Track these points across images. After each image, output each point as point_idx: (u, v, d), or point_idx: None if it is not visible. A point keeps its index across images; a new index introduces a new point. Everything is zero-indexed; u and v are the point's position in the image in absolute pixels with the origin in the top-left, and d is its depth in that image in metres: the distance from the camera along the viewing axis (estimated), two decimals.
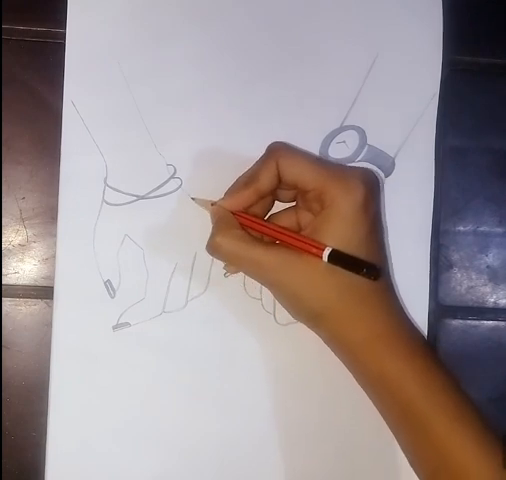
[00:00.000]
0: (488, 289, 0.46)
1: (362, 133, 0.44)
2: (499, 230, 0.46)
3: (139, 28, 0.43)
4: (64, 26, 0.42)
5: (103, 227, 0.42)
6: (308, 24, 0.44)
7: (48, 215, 0.43)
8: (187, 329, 0.43)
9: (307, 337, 0.43)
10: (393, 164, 0.44)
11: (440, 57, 0.45)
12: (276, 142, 0.39)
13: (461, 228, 0.46)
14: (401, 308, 0.40)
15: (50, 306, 0.42)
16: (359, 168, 0.40)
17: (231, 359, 0.43)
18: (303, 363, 0.43)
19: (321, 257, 0.36)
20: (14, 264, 0.43)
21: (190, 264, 0.43)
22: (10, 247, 0.43)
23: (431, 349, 0.40)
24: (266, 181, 0.38)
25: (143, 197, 0.43)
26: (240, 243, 0.37)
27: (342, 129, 0.44)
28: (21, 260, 0.43)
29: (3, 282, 0.43)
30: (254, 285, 0.43)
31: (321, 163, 0.39)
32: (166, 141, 0.42)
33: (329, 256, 0.36)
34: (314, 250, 0.36)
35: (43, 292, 0.43)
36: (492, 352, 0.46)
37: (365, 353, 0.38)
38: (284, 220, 0.41)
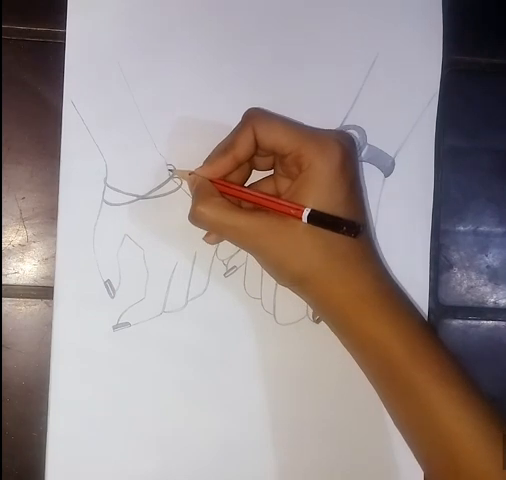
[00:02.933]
0: (488, 289, 0.46)
1: (362, 133, 0.44)
2: (499, 230, 0.46)
3: (139, 28, 0.43)
4: (64, 26, 0.42)
5: (103, 227, 0.42)
6: (308, 24, 0.44)
7: (48, 215, 0.43)
8: (187, 329, 0.43)
9: (307, 337, 0.43)
10: (393, 164, 0.44)
11: (440, 57, 0.45)
12: (252, 108, 0.39)
13: (461, 228, 0.46)
14: (385, 269, 0.40)
15: (50, 306, 0.42)
16: (335, 130, 0.39)
17: (231, 359, 0.43)
18: (303, 363, 0.43)
19: (301, 218, 0.36)
20: (14, 264, 0.43)
21: (190, 264, 0.43)
22: (10, 247, 0.43)
23: (415, 309, 0.40)
24: (243, 147, 0.38)
25: (143, 197, 0.43)
26: (222, 210, 0.37)
27: (342, 129, 0.44)
28: (21, 260, 0.43)
29: (3, 282, 0.43)
30: (254, 285, 0.43)
31: (297, 127, 0.39)
32: (166, 141, 0.42)
33: (308, 217, 0.36)
34: (293, 212, 0.36)
35: (43, 292, 0.43)
36: (492, 352, 0.46)
37: (350, 314, 0.37)
38: (263, 188, 0.41)
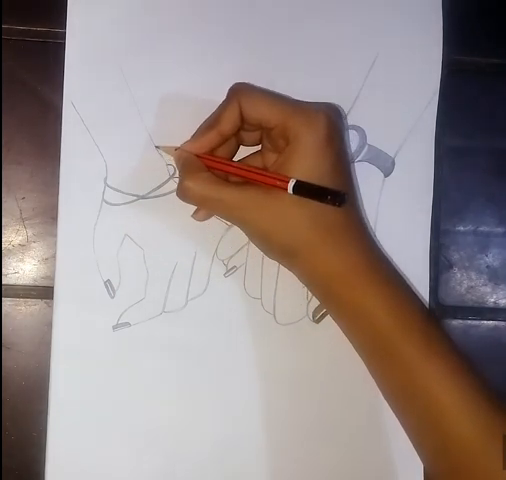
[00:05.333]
0: (488, 289, 0.46)
1: (362, 133, 0.44)
2: (499, 230, 0.46)
3: (139, 28, 0.43)
4: (64, 26, 0.42)
5: (103, 227, 0.42)
6: (308, 24, 0.44)
7: (48, 215, 0.43)
8: (187, 329, 0.43)
9: (307, 337, 0.43)
10: (393, 164, 0.44)
11: (440, 57, 0.45)
12: (237, 83, 0.39)
13: (461, 228, 0.46)
14: (373, 241, 0.40)
15: (50, 306, 0.42)
16: (321, 102, 0.39)
17: (231, 359, 0.43)
18: (303, 363, 0.43)
19: (286, 189, 0.36)
20: (14, 264, 0.43)
21: (190, 264, 0.43)
22: (10, 247, 0.43)
23: (404, 280, 0.40)
24: (229, 122, 0.38)
25: (143, 197, 0.43)
26: (209, 185, 0.37)
27: None
28: (21, 260, 0.43)
29: (3, 282, 0.43)
30: (254, 285, 0.43)
31: (283, 99, 0.39)
32: (166, 141, 0.42)
33: (294, 188, 0.36)
34: (279, 183, 0.36)
35: (43, 292, 0.43)
36: (492, 352, 0.46)
37: (338, 285, 0.37)
38: (251, 164, 0.41)
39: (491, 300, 0.46)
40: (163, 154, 0.42)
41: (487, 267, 0.46)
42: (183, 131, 0.41)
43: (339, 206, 0.35)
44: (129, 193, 0.43)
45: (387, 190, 0.44)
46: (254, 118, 0.38)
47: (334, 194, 0.35)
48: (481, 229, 0.46)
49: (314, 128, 0.36)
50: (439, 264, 0.45)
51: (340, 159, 0.38)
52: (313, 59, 0.44)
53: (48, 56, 0.43)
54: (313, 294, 0.40)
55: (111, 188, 0.42)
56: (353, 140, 0.44)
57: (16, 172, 0.43)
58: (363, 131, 0.44)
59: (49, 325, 0.42)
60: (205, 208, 0.40)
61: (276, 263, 0.43)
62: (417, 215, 0.44)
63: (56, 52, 0.42)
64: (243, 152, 0.42)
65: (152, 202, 0.43)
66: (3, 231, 0.43)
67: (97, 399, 0.42)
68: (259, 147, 0.42)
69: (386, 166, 0.44)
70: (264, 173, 0.37)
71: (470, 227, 0.46)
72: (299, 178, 0.36)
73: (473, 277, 0.46)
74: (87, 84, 0.42)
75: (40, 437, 0.42)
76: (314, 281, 0.39)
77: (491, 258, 0.46)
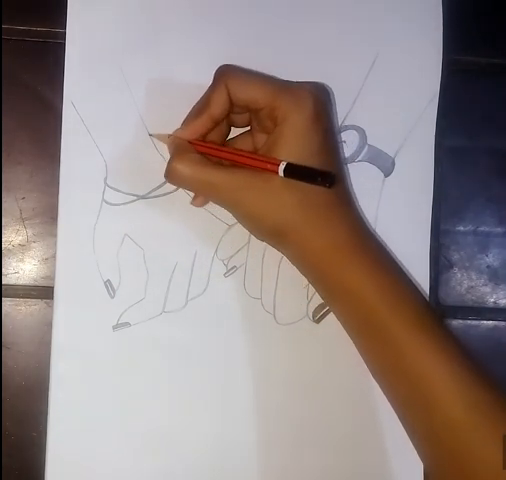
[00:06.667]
0: (488, 289, 0.46)
1: (362, 133, 0.44)
2: (499, 230, 0.46)
3: (139, 28, 0.43)
4: (64, 26, 0.42)
5: (103, 227, 0.42)
6: (308, 24, 0.44)
7: (48, 215, 0.43)
8: (187, 329, 0.43)
9: (307, 337, 0.43)
10: (393, 164, 0.44)
11: (440, 57, 0.45)
12: (223, 65, 0.39)
13: (461, 228, 0.46)
14: (362, 220, 0.40)
15: (50, 306, 0.42)
16: (309, 81, 0.39)
17: (231, 359, 0.43)
18: (303, 363, 0.43)
19: (277, 172, 0.36)
20: (14, 264, 0.43)
21: (190, 264, 0.43)
22: (10, 247, 0.43)
23: (393, 259, 0.40)
24: (218, 105, 0.38)
25: (143, 197, 0.43)
26: (197, 166, 0.37)
27: (342, 129, 0.44)
28: (21, 260, 0.43)
29: (3, 282, 0.43)
30: (254, 285, 0.43)
31: (271, 80, 0.39)
32: (166, 141, 0.42)
33: (284, 170, 0.36)
34: (269, 166, 0.36)
35: (43, 292, 0.43)
36: (492, 352, 0.46)
37: (327, 264, 0.38)
38: (240, 145, 0.41)
39: (491, 300, 0.46)
40: (163, 154, 0.42)
41: (487, 267, 0.46)
42: None
43: (329, 187, 0.35)
44: (129, 193, 0.43)
45: (387, 190, 0.44)
46: (242, 100, 0.38)
47: (324, 175, 0.35)
48: (481, 229, 0.46)
49: (301, 107, 0.37)
50: (439, 264, 0.45)
51: (328, 137, 0.38)
52: (313, 59, 0.44)
53: (48, 56, 0.43)
54: (302, 273, 0.40)
55: (111, 188, 0.42)
56: (353, 140, 0.44)
57: (16, 172, 0.43)
58: (363, 131, 0.44)
59: (49, 325, 0.42)
60: (194, 190, 0.40)
61: (276, 263, 0.43)
62: (417, 215, 0.44)
63: (56, 52, 0.42)
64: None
65: (152, 202, 0.43)
66: (3, 231, 0.43)
67: (97, 399, 0.42)
68: (248, 128, 0.42)
69: (386, 166, 0.44)
70: (255, 157, 0.37)
71: (470, 227, 0.46)
72: (288, 159, 0.36)
73: (473, 277, 0.46)
74: (87, 84, 0.42)
75: (40, 437, 0.42)
76: (303, 260, 0.39)
77: (491, 258, 0.46)
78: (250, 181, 0.37)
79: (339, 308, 0.39)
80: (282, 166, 0.36)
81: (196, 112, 0.39)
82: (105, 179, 0.42)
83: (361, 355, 0.39)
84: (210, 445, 0.43)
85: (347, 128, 0.44)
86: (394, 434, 0.43)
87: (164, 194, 0.43)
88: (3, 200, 0.43)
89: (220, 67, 0.39)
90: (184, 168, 0.37)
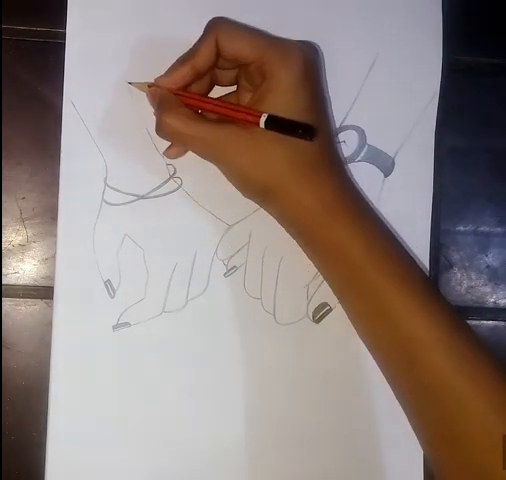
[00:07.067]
0: (488, 289, 0.46)
1: (362, 133, 0.44)
2: (499, 230, 0.46)
3: (139, 28, 0.43)
4: (64, 26, 0.42)
5: (103, 227, 0.42)
6: (308, 24, 0.44)
7: (48, 215, 0.43)
8: (187, 329, 0.43)
9: (307, 337, 0.43)
10: (393, 164, 0.44)
11: (440, 57, 0.45)
12: (215, 17, 0.39)
13: (461, 228, 0.46)
14: (350, 179, 0.40)
15: (50, 306, 0.42)
16: (299, 40, 0.39)
17: (231, 359, 0.43)
18: (303, 363, 0.43)
19: (258, 124, 0.36)
20: (14, 264, 0.43)
21: (190, 264, 0.43)
22: (10, 247, 0.43)
23: (379, 218, 0.40)
24: (203, 56, 0.38)
25: (143, 197, 0.43)
26: (186, 121, 0.37)
27: (342, 129, 0.44)
28: (21, 260, 0.43)
29: (3, 282, 0.43)
30: (254, 285, 0.43)
31: (261, 34, 0.39)
32: (166, 141, 0.42)
33: (266, 122, 0.36)
34: (250, 118, 0.36)
35: (43, 292, 0.43)
36: (492, 352, 0.46)
37: (314, 221, 0.37)
38: None
39: (491, 300, 0.46)
40: (164, 156, 0.42)
41: (487, 267, 0.46)
42: None
43: (310, 140, 0.35)
44: (129, 193, 0.43)
45: (387, 190, 0.44)
46: (231, 53, 0.38)
47: (305, 128, 0.35)
48: (481, 229, 0.46)
49: (290, 63, 0.36)
50: (439, 264, 0.45)
51: (317, 95, 0.38)
52: None
53: (48, 56, 0.43)
54: (289, 232, 0.40)
55: (111, 188, 0.42)
56: (353, 140, 0.44)
57: (16, 172, 0.43)
58: (363, 131, 0.44)
59: (49, 325, 0.42)
60: (182, 144, 0.40)
61: (276, 263, 0.43)
62: (417, 215, 0.44)
63: (56, 52, 0.42)
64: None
65: (152, 202, 0.43)
66: (3, 231, 0.43)
67: (97, 399, 0.42)
68: (234, 88, 0.42)
69: (386, 166, 0.44)
70: (237, 108, 0.37)
71: (470, 227, 0.46)
72: (275, 113, 0.36)
73: (473, 277, 0.46)
74: (87, 84, 0.42)
75: (40, 437, 0.42)
76: (290, 218, 0.39)
77: (491, 258, 0.46)
78: (237, 135, 0.37)
79: (325, 266, 0.39)
80: (263, 118, 0.36)
81: (180, 61, 0.39)
82: (105, 179, 0.42)
83: (347, 314, 0.39)
84: (209, 444, 0.43)
85: (347, 128, 0.44)
86: (394, 434, 0.43)
87: (164, 194, 0.43)
88: (3, 200, 0.43)
89: (212, 19, 0.39)
90: (175, 122, 0.37)
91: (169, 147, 0.41)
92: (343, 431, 0.43)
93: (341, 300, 0.39)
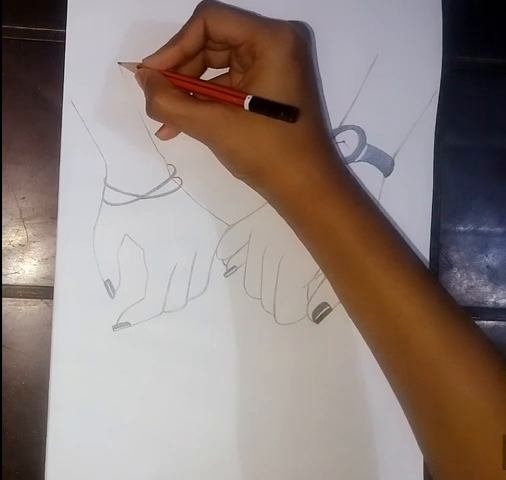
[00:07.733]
0: (488, 289, 0.46)
1: (361, 133, 0.44)
2: (499, 230, 0.46)
3: (139, 28, 0.43)
4: (64, 26, 0.42)
5: (103, 227, 0.42)
6: (308, 24, 0.44)
7: (48, 215, 0.43)
8: (187, 329, 0.43)
9: (307, 337, 0.43)
10: (393, 164, 0.44)
11: (440, 57, 0.45)
12: (203, 0, 0.39)
13: (461, 228, 0.46)
14: (340, 160, 0.40)
15: (50, 306, 0.42)
16: (290, 20, 0.39)
17: (231, 359, 0.43)
18: (303, 363, 0.43)
19: (243, 106, 0.36)
20: (14, 264, 0.43)
21: (190, 264, 0.43)
22: (10, 247, 0.43)
23: (370, 198, 0.40)
24: (191, 38, 0.38)
25: (143, 197, 0.43)
26: (177, 101, 0.37)
27: (341, 129, 0.44)
28: (21, 260, 0.43)
29: (3, 282, 0.43)
30: (254, 285, 0.43)
31: (250, 15, 0.39)
32: (166, 141, 0.42)
33: (250, 104, 0.36)
34: (235, 100, 0.36)
35: (43, 292, 0.43)
36: None
37: (303, 200, 0.37)
38: None
39: (491, 300, 0.46)
40: (163, 154, 0.42)
41: (487, 267, 0.46)
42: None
43: (293, 122, 0.35)
44: (129, 193, 0.43)
45: (387, 190, 0.44)
46: (221, 35, 0.38)
47: (287, 109, 0.35)
48: (481, 229, 0.46)
49: (280, 43, 0.36)
50: (439, 264, 0.45)
51: (307, 75, 0.38)
52: None
53: (48, 56, 0.43)
54: (279, 213, 0.40)
55: (111, 188, 0.42)
56: (352, 140, 0.44)
57: (16, 172, 0.43)
58: (363, 131, 0.44)
59: (49, 325, 0.42)
60: (173, 125, 0.40)
61: (276, 263, 0.43)
62: (417, 215, 0.44)
63: (56, 52, 0.42)
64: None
65: (152, 202, 0.43)
66: (3, 231, 0.43)
67: (97, 399, 0.42)
68: (227, 70, 0.42)
69: (386, 166, 0.44)
70: (223, 90, 0.37)
71: (470, 227, 0.46)
72: (264, 95, 0.36)
73: (473, 277, 0.46)
74: (87, 84, 0.42)
75: (40, 437, 0.42)
76: (280, 198, 0.39)
77: (491, 258, 0.46)
78: (228, 115, 0.37)
79: (316, 246, 0.39)
80: (248, 100, 0.36)
81: (169, 43, 0.39)
82: (105, 179, 0.42)
83: (336, 294, 0.39)
84: (209, 444, 0.43)
85: (347, 128, 0.44)
86: (394, 434, 0.43)
87: (164, 194, 0.43)
88: (3, 200, 0.43)
89: (200, 2, 0.39)
90: (166, 104, 0.37)
91: (160, 128, 0.41)
92: (343, 431, 0.43)
93: (329, 278, 0.40)
